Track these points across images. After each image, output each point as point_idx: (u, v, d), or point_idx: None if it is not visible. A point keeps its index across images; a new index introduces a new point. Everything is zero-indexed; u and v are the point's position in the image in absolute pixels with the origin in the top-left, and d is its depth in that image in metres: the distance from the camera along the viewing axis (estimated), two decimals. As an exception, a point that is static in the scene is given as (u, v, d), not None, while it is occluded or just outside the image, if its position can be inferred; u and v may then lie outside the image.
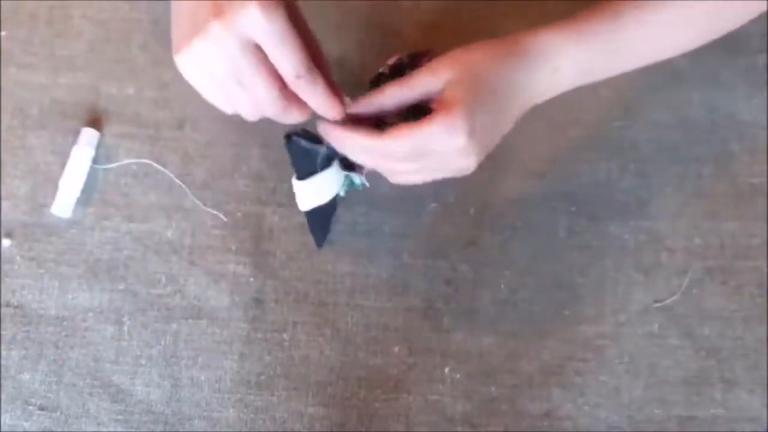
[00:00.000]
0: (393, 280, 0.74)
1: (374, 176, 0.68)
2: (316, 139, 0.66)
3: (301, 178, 0.68)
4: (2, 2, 0.80)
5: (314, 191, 0.68)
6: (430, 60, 0.70)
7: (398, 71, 0.70)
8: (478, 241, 0.74)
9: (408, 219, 0.75)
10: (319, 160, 0.67)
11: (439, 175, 0.65)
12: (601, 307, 0.73)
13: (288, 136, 0.66)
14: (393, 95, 0.63)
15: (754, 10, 0.67)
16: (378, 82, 0.69)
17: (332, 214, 0.72)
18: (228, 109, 0.64)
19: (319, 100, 0.62)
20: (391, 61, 0.72)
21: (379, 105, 0.63)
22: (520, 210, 0.75)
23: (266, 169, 0.76)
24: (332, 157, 0.67)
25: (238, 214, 0.75)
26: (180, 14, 0.60)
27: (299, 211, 0.75)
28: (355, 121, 0.64)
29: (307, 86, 0.61)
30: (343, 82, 0.77)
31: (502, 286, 0.74)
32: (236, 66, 0.58)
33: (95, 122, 0.77)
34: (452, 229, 0.75)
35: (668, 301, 0.73)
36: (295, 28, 0.59)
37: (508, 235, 0.75)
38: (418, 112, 0.64)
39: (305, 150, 0.66)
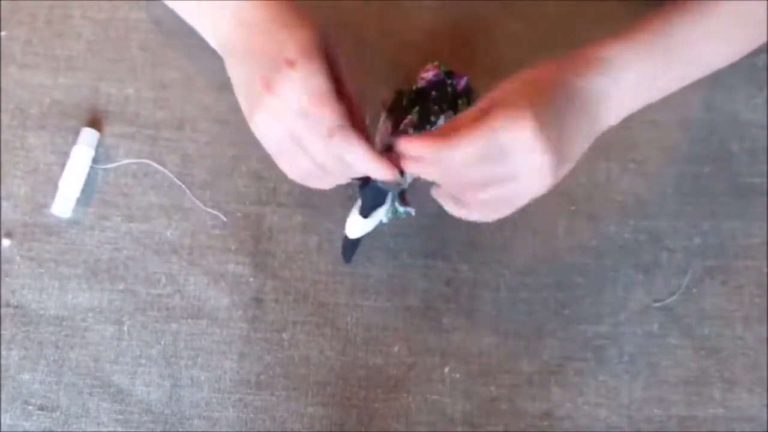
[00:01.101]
0: (393, 280, 0.74)
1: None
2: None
3: (365, 215, 0.68)
4: (2, 2, 0.80)
5: (369, 224, 0.69)
6: (467, 84, 0.72)
7: (441, 90, 0.71)
8: (478, 241, 0.74)
9: (408, 219, 0.74)
10: (385, 198, 0.68)
11: (520, 190, 0.61)
12: (601, 306, 0.73)
13: (369, 181, 0.66)
14: (461, 121, 0.60)
15: None
16: (420, 98, 0.70)
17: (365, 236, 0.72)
18: (297, 176, 0.64)
19: (356, 155, 0.61)
20: (429, 75, 0.72)
21: (465, 154, 0.59)
22: (520, 210, 0.75)
23: (266, 169, 0.76)
24: (388, 191, 0.68)
25: (238, 214, 0.75)
26: (239, 85, 0.63)
27: (299, 211, 0.75)
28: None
29: (341, 143, 0.61)
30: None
31: (502, 286, 0.74)
32: (293, 129, 0.61)
33: (95, 122, 0.77)
34: (452, 229, 0.75)
35: (668, 300, 0.73)
36: (336, 82, 0.61)
37: (508, 235, 0.75)
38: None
39: (380, 190, 0.67)
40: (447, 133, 0.59)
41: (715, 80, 0.73)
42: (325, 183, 0.65)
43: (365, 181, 0.67)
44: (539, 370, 0.72)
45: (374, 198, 0.68)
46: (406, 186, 0.69)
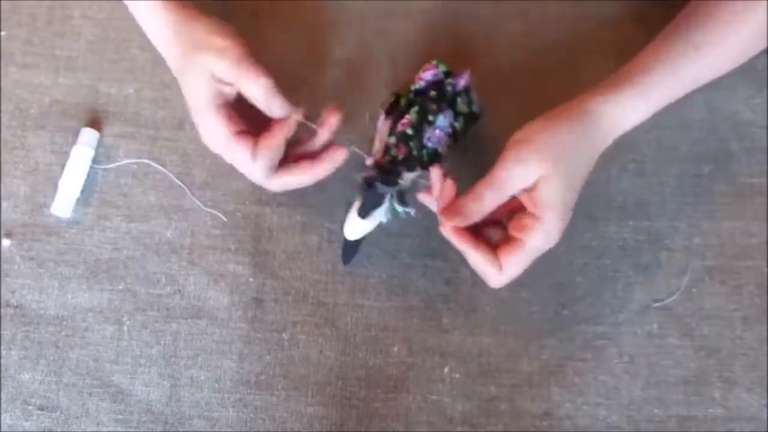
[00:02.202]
0: (393, 280, 0.74)
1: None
2: (389, 181, 0.68)
3: (364, 216, 0.69)
4: (2, 2, 0.80)
5: (367, 225, 0.69)
6: (467, 82, 0.72)
7: (440, 90, 0.71)
8: (478, 241, 0.74)
9: (408, 219, 0.74)
10: (384, 199, 0.68)
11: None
12: (601, 306, 0.73)
13: (369, 181, 0.68)
14: (493, 199, 0.64)
15: None
16: (418, 100, 0.71)
17: (363, 239, 0.72)
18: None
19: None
20: (427, 75, 0.72)
21: (481, 212, 0.64)
22: (520, 210, 0.75)
23: (266, 169, 0.75)
24: (387, 194, 0.68)
25: (238, 214, 0.75)
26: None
27: (299, 211, 0.75)
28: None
29: (261, 166, 0.69)
30: (343, 81, 0.78)
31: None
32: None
33: (95, 122, 0.77)
34: (452, 229, 0.75)
35: (667, 300, 0.73)
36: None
37: (508, 235, 0.75)
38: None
39: (379, 193, 0.68)
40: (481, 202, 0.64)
41: (716, 81, 0.73)
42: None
43: (368, 182, 0.67)
44: (539, 370, 0.72)
45: (375, 198, 0.68)
46: (407, 185, 0.69)
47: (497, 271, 0.65)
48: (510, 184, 0.64)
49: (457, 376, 0.72)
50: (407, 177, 0.68)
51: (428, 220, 0.74)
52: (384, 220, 0.70)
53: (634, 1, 0.78)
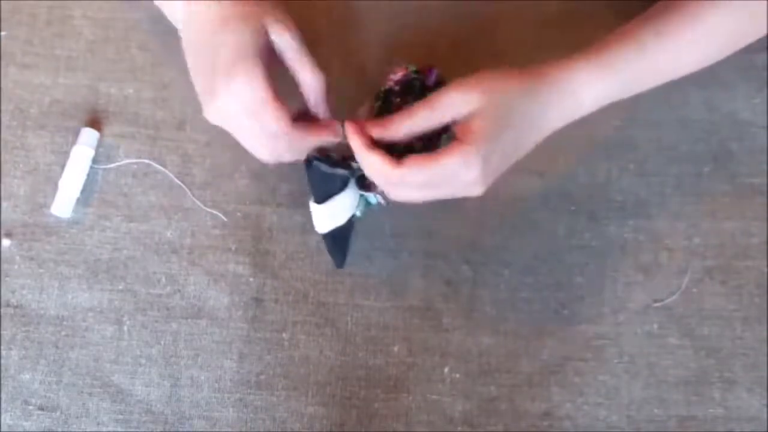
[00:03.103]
0: (393, 280, 0.74)
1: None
2: (336, 164, 0.66)
3: (319, 201, 0.68)
4: (2, 2, 0.80)
5: (332, 214, 0.69)
6: (438, 77, 0.71)
7: (408, 87, 0.70)
8: (478, 241, 0.74)
9: (408, 219, 0.75)
10: (338, 184, 0.67)
11: (441, 197, 0.65)
12: (601, 306, 0.73)
13: (308, 160, 0.66)
14: (424, 118, 0.63)
15: None
16: (387, 98, 0.70)
17: (350, 235, 0.72)
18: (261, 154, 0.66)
19: (302, 146, 0.66)
20: (397, 76, 0.71)
21: (410, 129, 0.63)
22: (520, 210, 0.75)
23: (266, 169, 0.75)
24: (348, 178, 0.67)
25: (238, 214, 0.75)
26: (192, 75, 0.65)
27: (299, 211, 0.75)
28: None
29: (285, 143, 0.65)
30: (343, 81, 0.78)
31: (502, 286, 0.74)
32: (239, 129, 0.65)
33: (95, 122, 0.77)
34: (452, 229, 0.75)
35: (668, 300, 0.73)
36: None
37: (508, 235, 0.75)
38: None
39: (325, 174, 0.67)
40: (407, 122, 0.63)
41: (715, 80, 0.73)
42: (290, 157, 0.66)
43: (308, 163, 0.67)
44: (539, 370, 0.72)
45: (322, 181, 0.67)
46: (357, 171, 0.68)
47: (391, 168, 0.62)
48: (446, 107, 0.62)
49: (457, 376, 0.72)
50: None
51: (429, 220, 0.75)
52: (358, 213, 0.69)
53: (634, 1, 0.78)
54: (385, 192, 0.66)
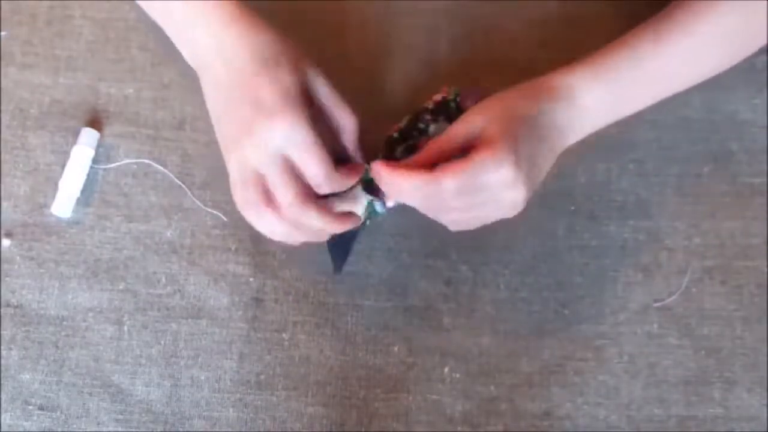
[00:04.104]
0: (393, 280, 0.74)
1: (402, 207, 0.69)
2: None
3: (339, 270, 0.71)
4: (2, 2, 0.80)
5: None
6: (477, 99, 0.71)
7: (443, 107, 0.72)
8: (478, 241, 0.74)
9: (408, 219, 0.74)
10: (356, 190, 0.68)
11: (491, 214, 0.65)
12: (601, 306, 0.73)
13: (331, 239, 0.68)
14: (439, 151, 0.63)
15: None
16: (419, 116, 0.71)
17: (353, 242, 0.72)
18: (258, 223, 0.65)
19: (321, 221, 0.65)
20: (437, 97, 0.72)
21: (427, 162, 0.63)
22: (520, 210, 0.75)
23: (266, 169, 0.75)
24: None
25: (238, 214, 0.75)
26: (216, 119, 0.65)
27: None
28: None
29: (327, 189, 0.64)
30: (343, 81, 0.77)
31: (502, 286, 0.74)
32: (264, 175, 0.62)
33: (95, 122, 0.77)
34: (452, 229, 0.75)
35: (668, 300, 0.73)
36: (321, 133, 0.62)
37: (508, 235, 0.75)
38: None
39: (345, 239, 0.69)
40: (428, 163, 0.62)
41: (715, 80, 0.73)
42: (293, 239, 0.66)
43: (332, 239, 0.68)
44: (539, 370, 0.72)
45: (343, 247, 0.70)
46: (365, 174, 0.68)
47: (427, 177, 0.61)
48: (454, 133, 0.63)
49: (457, 376, 0.72)
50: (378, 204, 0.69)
51: (429, 220, 0.75)
52: (362, 218, 0.69)
53: (634, 1, 0.78)
54: (427, 212, 0.66)
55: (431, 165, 0.62)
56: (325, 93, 0.65)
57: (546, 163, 0.66)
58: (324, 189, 0.64)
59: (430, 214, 0.66)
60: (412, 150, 0.68)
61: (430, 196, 0.62)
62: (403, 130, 0.71)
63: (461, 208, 0.64)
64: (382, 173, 0.62)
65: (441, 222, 0.67)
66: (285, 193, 0.62)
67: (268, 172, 0.62)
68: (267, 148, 0.61)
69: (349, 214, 0.67)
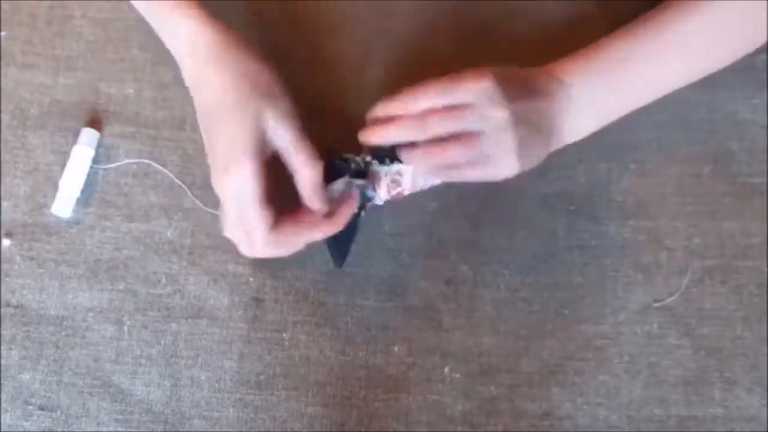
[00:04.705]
0: (393, 280, 0.74)
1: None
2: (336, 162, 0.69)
3: (340, 265, 0.72)
4: (2, 2, 0.80)
5: None
6: None
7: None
8: (478, 241, 0.74)
9: (408, 219, 0.75)
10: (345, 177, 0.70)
11: (488, 158, 0.66)
12: (601, 306, 0.73)
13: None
14: (434, 91, 0.66)
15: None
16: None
17: (353, 237, 0.72)
18: (232, 233, 0.68)
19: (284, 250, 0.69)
20: None
21: (416, 106, 0.66)
22: (520, 210, 0.75)
23: (266, 169, 0.76)
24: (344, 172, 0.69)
25: (238, 214, 0.75)
26: (209, 152, 0.67)
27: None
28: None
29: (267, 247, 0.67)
30: (343, 81, 0.78)
31: (502, 286, 0.74)
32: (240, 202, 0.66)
33: (95, 122, 0.77)
34: (452, 229, 0.75)
35: (668, 300, 0.73)
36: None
37: (508, 235, 0.75)
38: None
39: (336, 166, 0.69)
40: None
41: (715, 80, 0.73)
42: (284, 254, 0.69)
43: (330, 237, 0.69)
44: (539, 370, 0.72)
45: (342, 240, 0.70)
46: (360, 166, 0.70)
47: (411, 92, 0.66)
48: (457, 78, 0.66)
49: (457, 376, 0.72)
50: (363, 159, 0.70)
51: (428, 219, 0.75)
52: (356, 208, 0.70)
53: (635, 1, 0.78)
54: (423, 159, 0.67)
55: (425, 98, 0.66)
56: (282, 146, 0.66)
57: (539, 145, 0.67)
58: (262, 248, 0.66)
59: (428, 162, 0.67)
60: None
61: (415, 117, 0.65)
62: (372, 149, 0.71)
63: (454, 138, 0.65)
64: (371, 113, 0.67)
65: (442, 176, 0.69)
66: (256, 229, 0.65)
67: (240, 209, 0.65)
68: (224, 194, 0.66)
69: (330, 218, 0.68)
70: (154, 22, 0.72)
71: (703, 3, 0.68)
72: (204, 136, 0.68)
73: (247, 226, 0.66)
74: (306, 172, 0.66)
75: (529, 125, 0.66)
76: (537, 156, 0.68)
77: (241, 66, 0.66)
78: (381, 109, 0.67)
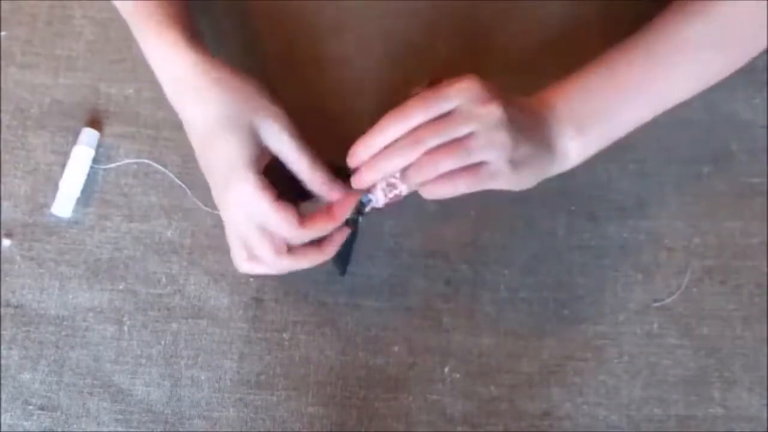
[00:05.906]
0: (393, 280, 0.74)
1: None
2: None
3: (343, 273, 0.73)
4: (2, 2, 0.80)
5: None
6: None
7: None
8: (478, 241, 0.75)
9: (408, 219, 0.75)
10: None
11: (479, 149, 0.63)
12: (601, 306, 0.73)
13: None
14: (421, 105, 0.64)
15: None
16: None
17: (353, 243, 0.72)
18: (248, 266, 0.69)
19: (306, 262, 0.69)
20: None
21: (425, 114, 0.64)
22: (520, 210, 0.75)
23: (266, 169, 0.75)
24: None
25: (238, 214, 0.75)
26: (208, 175, 0.68)
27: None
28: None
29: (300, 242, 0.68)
30: (342, 82, 0.78)
31: (502, 286, 0.74)
32: (252, 223, 0.66)
33: (95, 122, 0.77)
34: (452, 229, 0.75)
35: (667, 300, 0.73)
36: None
37: (508, 235, 0.75)
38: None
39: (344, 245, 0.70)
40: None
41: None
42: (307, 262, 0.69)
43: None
44: (539, 370, 0.72)
45: (343, 249, 0.70)
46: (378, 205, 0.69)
47: (397, 111, 0.64)
48: (439, 87, 0.64)
49: (457, 376, 0.72)
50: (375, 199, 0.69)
51: (428, 220, 0.75)
52: (352, 214, 0.69)
53: (635, 1, 0.78)
54: (423, 169, 0.65)
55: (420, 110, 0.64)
56: (283, 152, 0.66)
57: (538, 163, 0.67)
58: (297, 242, 0.67)
59: (422, 178, 0.64)
60: None
61: (406, 146, 0.63)
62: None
63: (446, 146, 0.63)
64: (353, 153, 0.65)
65: (440, 192, 0.65)
66: (262, 249, 0.66)
67: (243, 231, 0.66)
68: (235, 219, 0.66)
69: (329, 238, 0.68)
70: (140, 40, 0.70)
71: (710, 5, 0.68)
72: (201, 162, 0.67)
73: (265, 240, 0.65)
74: (314, 175, 0.66)
75: (523, 132, 0.64)
76: (536, 168, 0.67)
77: (226, 85, 0.65)
78: (363, 150, 0.65)
